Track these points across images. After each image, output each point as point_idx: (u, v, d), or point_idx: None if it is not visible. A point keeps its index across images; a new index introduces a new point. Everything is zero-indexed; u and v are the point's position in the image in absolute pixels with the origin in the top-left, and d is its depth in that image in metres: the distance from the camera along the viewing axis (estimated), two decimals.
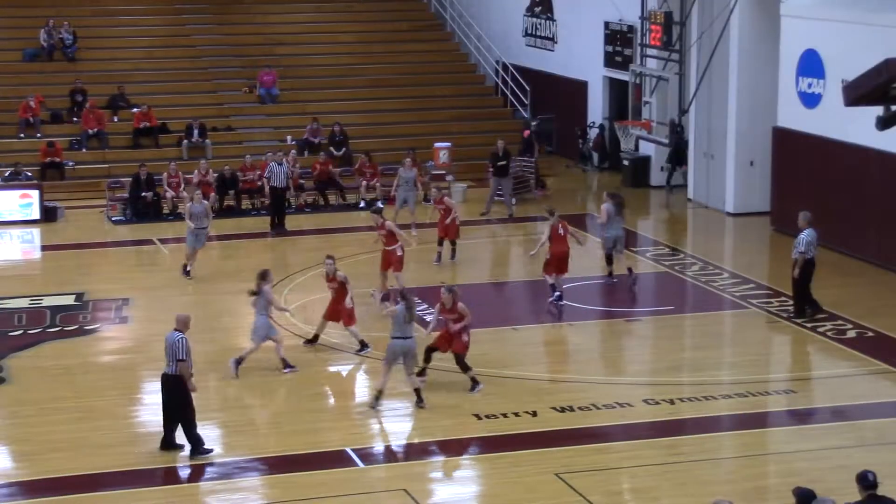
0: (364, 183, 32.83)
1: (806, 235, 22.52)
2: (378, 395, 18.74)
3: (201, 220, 25.79)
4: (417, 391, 18.76)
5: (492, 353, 20.95)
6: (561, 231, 23.88)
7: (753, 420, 18.62)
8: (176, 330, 17.20)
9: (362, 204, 32.64)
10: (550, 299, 23.82)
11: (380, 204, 32.53)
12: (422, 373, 19.37)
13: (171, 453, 17.17)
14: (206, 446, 17.11)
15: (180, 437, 17.26)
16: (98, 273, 27.23)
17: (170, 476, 16.76)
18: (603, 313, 23.85)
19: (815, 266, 22.80)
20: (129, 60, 38.77)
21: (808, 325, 22.58)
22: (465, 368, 19.33)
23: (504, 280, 26.82)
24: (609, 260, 25.47)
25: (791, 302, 23.32)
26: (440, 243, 26.58)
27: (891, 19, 25.54)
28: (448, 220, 26.30)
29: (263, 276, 20.43)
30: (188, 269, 25.87)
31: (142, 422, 18.83)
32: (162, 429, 17.33)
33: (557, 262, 23.83)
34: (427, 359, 19.50)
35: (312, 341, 21.59)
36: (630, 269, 25.25)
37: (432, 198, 26.68)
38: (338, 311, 21.24)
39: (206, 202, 26.79)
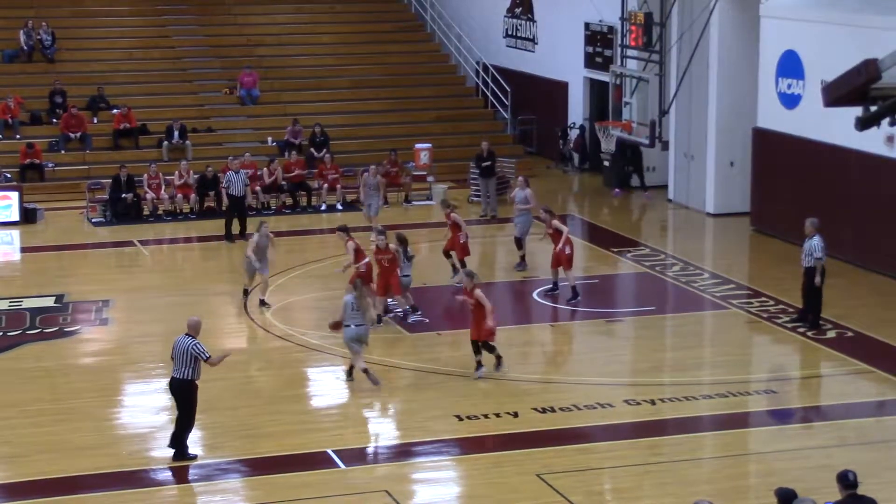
0: (325, 186, 32.78)
1: (819, 241, 21.95)
2: (350, 370, 19.63)
3: (265, 252, 24.08)
4: (350, 369, 19.57)
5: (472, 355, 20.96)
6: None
7: (734, 420, 18.65)
8: (187, 335, 16.94)
9: (339, 206, 32.63)
10: (570, 299, 24.23)
11: (339, 204, 32.51)
12: (479, 366, 19.95)
13: (158, 458, 17.13)
14: (190, 452, 17.08)
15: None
16: (78, 275, 27.15)
17: (152, 478, 16.71)
18: (584, 314, 23.87)
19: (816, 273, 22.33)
20: (109, 61, 38.64)
21: (788, 325, 22.63)
22: (491, 350, 20.02)
23: (485, 281, 26.75)
24: (520, 244, 26.39)
25: (804, 312, 22.72)
26: (447, 255, 25.60)
27: (870, 20, 25.63)
28: (463, 239, 25.15)
29: (404, 240, 22.52)
30: (262, 298, 24.00)
31: (123, 423, 18.80)
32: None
33: (570, 258, 24.36)
34: (476, 351, 19.97)
35: (379, 320, 22.15)
36: (523, 257, 26.31)
37: (443, 213, 26.17)
38: (390, 284, 22.48)
39: (272, 235, 24.74)
